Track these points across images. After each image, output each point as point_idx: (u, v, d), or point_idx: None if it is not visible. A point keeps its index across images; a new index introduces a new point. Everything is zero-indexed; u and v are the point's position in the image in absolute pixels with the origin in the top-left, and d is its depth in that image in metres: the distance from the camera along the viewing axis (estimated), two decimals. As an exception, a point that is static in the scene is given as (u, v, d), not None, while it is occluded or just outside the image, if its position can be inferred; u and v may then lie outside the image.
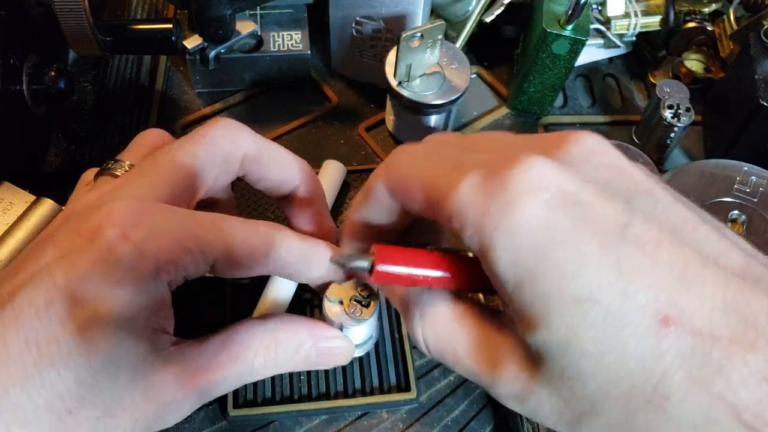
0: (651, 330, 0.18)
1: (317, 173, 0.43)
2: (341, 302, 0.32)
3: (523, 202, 0.19)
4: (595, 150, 0.21)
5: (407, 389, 0.37)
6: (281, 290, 0.37)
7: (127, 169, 0.31)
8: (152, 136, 0.33)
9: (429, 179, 0.22)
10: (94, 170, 0.32)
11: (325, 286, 0.32)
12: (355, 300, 0.32)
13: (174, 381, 0.26)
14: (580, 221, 0.19)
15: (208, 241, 0.27)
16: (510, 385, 0.22)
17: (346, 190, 0.45)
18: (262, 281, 0.37)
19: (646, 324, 0.18)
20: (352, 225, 0.27)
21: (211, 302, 0.39)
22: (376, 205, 0.26)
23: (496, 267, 0.20)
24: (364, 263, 0.24)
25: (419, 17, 0.48)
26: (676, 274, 0.19)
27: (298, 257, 0.30)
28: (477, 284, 0.24)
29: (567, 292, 0.19)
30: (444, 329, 0.24)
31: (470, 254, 0.24)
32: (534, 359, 0.21)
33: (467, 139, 0.25)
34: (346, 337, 0.32)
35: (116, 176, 0.30)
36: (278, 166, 0.33)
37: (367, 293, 0.32)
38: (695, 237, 0.20)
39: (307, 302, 0.39)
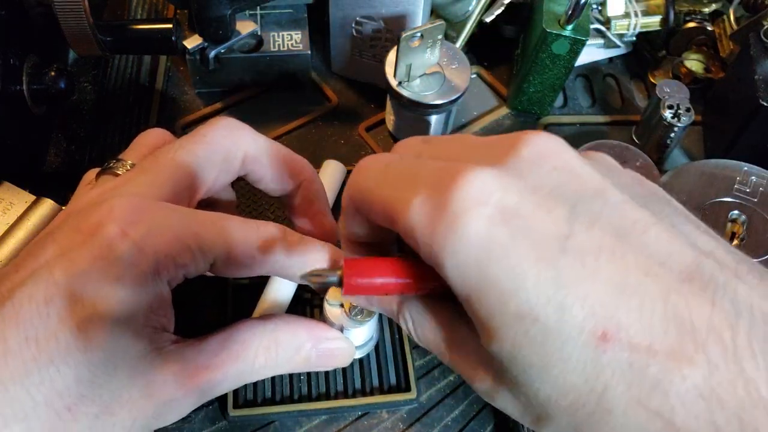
0: (589, 345, 0.18)
1: (318, 174, 0.43)
2: (342, 305, 0.32)
3: (465, 219, 0.19)
4: (546, 153, 0.21)
5: (407, 389, 0.37)
6: (281, 290, 0.37)
7: (129, 168, 0.31)
8: (154, 135, 0.33)
9: (385, 198, 0.22)
10: (96, 170, 0.32)
11: (325, 287, 0.33)
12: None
13: (173, 379, 0.26)
14: (519, 235, 0.19)
15: (208, 239, 0.27)
16: (481, 384, 0.23)
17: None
18: (263, 281, 0.37)
19: (584, 339, 0.18)
20: (345, 238, 0.28)
21: (211, 302, 0.39)
22: (354, 220, 0.26)
23: (448, 282, 0.20)
24: (333, 278, 0.24)
25: (419, 17, 0.48)
26: (615, 284, 0.18)
27: (297, 258, 0.30)
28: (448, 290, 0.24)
29: (508, 309, 0.19)
30: (428, 329, 0.25)
31: None
32: (496, 364, 0.21)
33: (430, 145, 0.24)
34: (346, 339, 0.32)
35: (117, 175, 0.30)
36: (279, 165, 0.33)
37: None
38: (643, 240, 0.19)
39: (308, 302, 0.39)
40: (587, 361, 0.18)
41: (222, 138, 0.31)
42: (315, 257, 0.31)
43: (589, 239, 0.19)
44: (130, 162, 0.31)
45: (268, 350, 0.29)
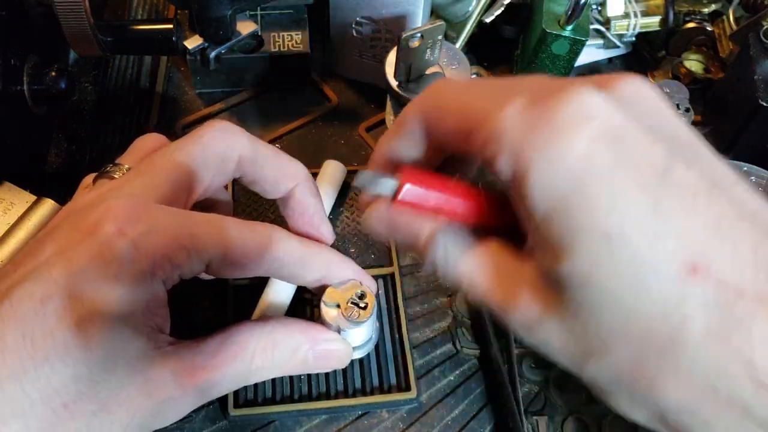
0: (677, 276, 0.18)
1: (317, 173, 0.43)
2: (338, 306, 0.32)
3: (568, 132, 0.19)
4: (644, 95, 0.21)
5: (407, 389, 0.37)
6: (281, 291, 0.37)
7: (125, 172, 0.31)
8: (150, 140, 0.34)
9: (468, 105, 0.22)
10: (94, 175, 0.32)
11: (322, 288, 0.33)
12: (352, 303, 0.32)
13: (171, 378, 0.26)
14: (622, 158, 0.19)
15: (204, 240, 0.27)
16: (522, 315, 0.22)
17: (346, 190, 0.45)
18: (263, 282, 0.37)
19: (674, 270, 0.18)
20: (381, 158, 0.27)
21: (211, 302, 0.39)
22: (407, 138, 0.25)
23: (529, 192, 0.19)
24: (389, 183, 0.23)
25: (419, 18, 0.48)
26: (711, 224, 0.18)
27: (294, 259, 0.30)
28: (499, 219, 0.24)
29: (598, 227, 0.18)
30: (465, 260, 0.24)
31: (493, 191, 0.24)
32: (551, 292, 0.21)
33: (510, 79, 0.24)
34: (343, 340, 0.32)
35: (114, 179, 0.31)
36: (274, 168, 0.33)
37: (363, 296, 0.32)
38: (734, 191, 0.19)
39: (308, 303, 0.39)
40: (671, 291, 0.18)
41: (218, 140, 0.31)
42: (312, 259, 0.31)
43: (687, 177, 0.19)
44: (126, 166, 0.31)
45: (265, 352, 0.29)
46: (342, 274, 0.33)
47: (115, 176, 0.31)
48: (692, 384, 0.18)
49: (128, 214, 0.26)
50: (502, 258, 0.23)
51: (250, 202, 0.44)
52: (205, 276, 0.29)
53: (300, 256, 0.31)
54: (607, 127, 0.19)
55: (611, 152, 0.19)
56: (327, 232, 0.35)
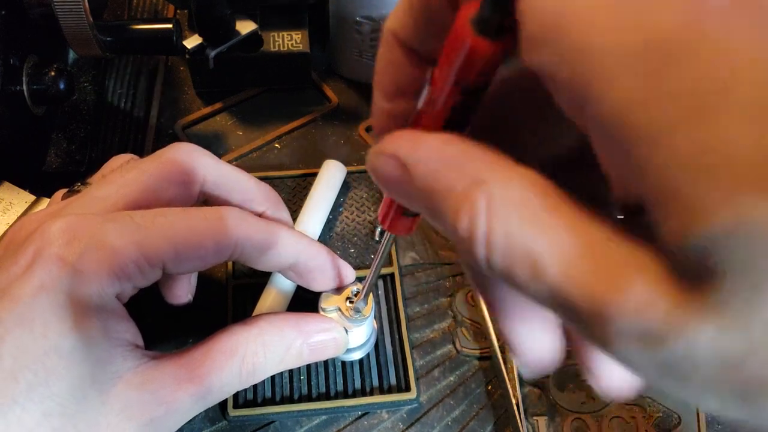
0: None
1: (317, 173, 0.43)
2: (339, 309, 0.32)
3: None
4: None
5: (407, 389, 0.37)
6: (281, 291, 0.37)
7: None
8: (119, 160, 0.33)
9: None
10: (64, 191, 0.32)
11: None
12: (350, 302, 0.32)
13: (152, 398, 0.25)
14: None
15: (152, 243, 0.26)
16: (640, 314, 0.12)
17: (346, 190, 0.45)
18: (263, 282, 0.37)
19: None
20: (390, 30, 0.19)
21: (211, 302, 0.39)
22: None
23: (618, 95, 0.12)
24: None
25: (419, 17, 0.48)
26: None
27: (257, 240, 0.28)
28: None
29: None
30: (525, 223, 0.14)
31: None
32: (692, 274, 0.12)
33: None
34: (336, 327, 0.32)
35: None
36: (240, 191, 0.32)
37: (359, 293, 0.32)
38: None
39: (309, 302, 0.39)
40: None
41: (178, 160, 0.30)
42: (279, 238, 0.29)
43: None
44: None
45: (256, 355, 0.28)
46: (315, 257, 0.31)
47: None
48: None
49: (65, 235, 0.25)
50: (589, 225, 0.14)
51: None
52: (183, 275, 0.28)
53: (263, 237, 0.29)
54: None
55: None
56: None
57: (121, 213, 0.26)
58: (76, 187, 0.31)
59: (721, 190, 0.11)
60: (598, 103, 0.12)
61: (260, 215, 0.32)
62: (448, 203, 0.15)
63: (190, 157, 0.30)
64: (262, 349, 0.28)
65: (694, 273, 0.12)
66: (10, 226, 0.31)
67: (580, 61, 0.12)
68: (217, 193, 0.31)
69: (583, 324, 0.14)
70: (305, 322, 0.30)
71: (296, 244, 0.30)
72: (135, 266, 0.25)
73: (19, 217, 0.36)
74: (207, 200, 0.32)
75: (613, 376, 0.19)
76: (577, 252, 0.13)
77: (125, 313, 0.26)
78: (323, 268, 0.32)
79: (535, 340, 0.20)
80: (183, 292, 0.35)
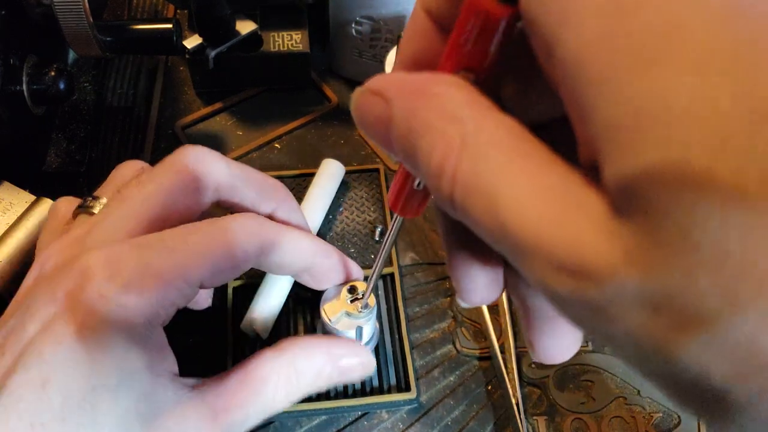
0: None
1: (316, 173, 0.43)
2: (347, 313, 0.32)
3: None
4: None
5: (407, 389, 0.36)
6: (277, 288, 0.37)
7: (103, 206, 0.30)
8: (128, 168, 0.32)
9: None
10: (68, 199, 0.31)
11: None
12: (352, 301, 0.32)
13: (194, 427, 0.25)
14: None
15: (189, 265, 0.26)
16: (573, 252, 0.13)
17: (345, 190, 0.45)
18: (262, 281, 0.37)
19: None
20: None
21: (211, 303, 0.39)
22: None
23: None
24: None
25: (419, 17, 0.48)
26: None
27: (282, 247, 0.29)
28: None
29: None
30: (492, 163, 0.14)
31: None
32: (626, 216, 0.12)
33: None
34: (364, 350, 0.32)
35: (93, 215, 0.29)
36: (253, 191, 0.31)
37: (354, 289, 0.33)
38: None
39: (308, 301, 0.39)
40: None
41: (191, 167, 0.29)
42: (291, 241, 0.30)
43: None
44: (104, 199, 0.30)
45: (288, 381, 0.28)
46: (326, 260, 0.32)
47: (95, 211, 0.29)
48: None
49: (104, 271, 0.24)
50: (557, 173, 0.14)
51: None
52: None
53: (272, 241, 0.29)
54: None
55: None
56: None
57: (153, 237, 0.26)
58: (88, 203, 0.30)
59: (655, 134, 0.11)
60: (563, 46, 0.13)
61: (274, 211, 0.32)
62: (425, 140, 0.15)
63: (203, 163, 0.30)
64: (294, 375, 0.28)
65: (627, 215, 0.12)
66: (40, 243, 0.30)
67: (556, 1, 0.13)
68: (231, 193, 0.31)
69: (525, 260, 0.14)
70: (335, 346, 0.30)
71: (312, 247, 0.31)
72: (176, 290, 0.25)
73: (19, 217, 0.36)
74: (220, 202, 0.31)
75: (550, 348, 0.22)
76: (533, 194, 0.14)
77: (165, 341, 0.26)
78: (336, 269, 0.32)
79: (477, 289, 0.22)
80: (203, 297, 0.36)
